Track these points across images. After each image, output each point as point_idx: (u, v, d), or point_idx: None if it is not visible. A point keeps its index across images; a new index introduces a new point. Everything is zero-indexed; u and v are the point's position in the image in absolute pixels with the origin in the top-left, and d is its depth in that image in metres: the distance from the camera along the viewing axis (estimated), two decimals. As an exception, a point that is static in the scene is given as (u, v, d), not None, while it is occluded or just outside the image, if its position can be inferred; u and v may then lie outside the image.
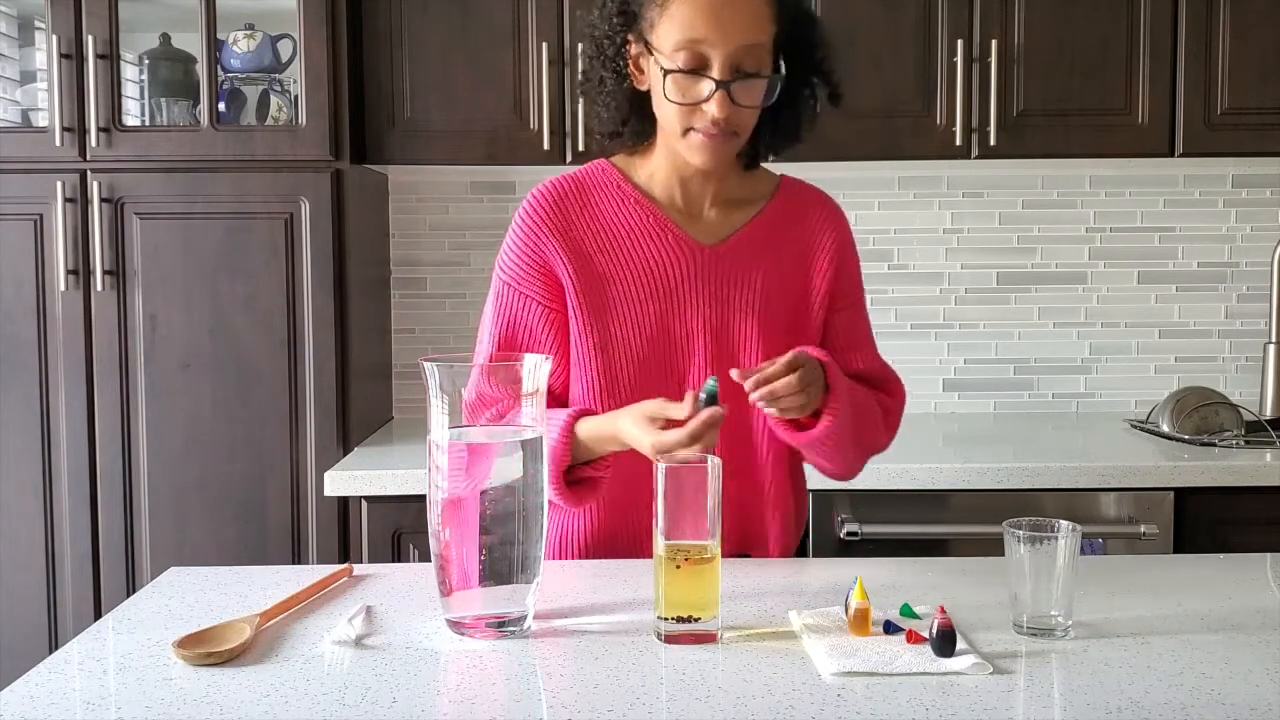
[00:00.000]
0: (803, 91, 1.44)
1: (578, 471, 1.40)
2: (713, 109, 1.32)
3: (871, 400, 1.50)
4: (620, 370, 1.43)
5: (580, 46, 2.29)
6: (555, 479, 1.36)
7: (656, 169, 1.46)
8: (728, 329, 1.45)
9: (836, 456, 1.44)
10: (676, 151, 1.40)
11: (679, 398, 1.29)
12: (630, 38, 1.39)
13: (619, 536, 1.48)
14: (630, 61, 1.40)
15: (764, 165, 1.54)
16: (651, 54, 1.35)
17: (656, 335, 1.44)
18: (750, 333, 1.45)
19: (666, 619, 1.13)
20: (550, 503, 1.27)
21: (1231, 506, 2.24)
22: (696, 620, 1.13)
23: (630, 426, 1.30)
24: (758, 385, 1.28)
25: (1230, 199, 2.87)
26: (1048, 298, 2.88)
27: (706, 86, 1.32)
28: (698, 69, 1.32)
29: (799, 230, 1.50)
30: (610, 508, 1.47)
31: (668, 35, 1.32)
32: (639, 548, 1.46)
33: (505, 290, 1.46)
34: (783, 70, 1.37)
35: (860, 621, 1.12)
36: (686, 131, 1.36)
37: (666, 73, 1.33)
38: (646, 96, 1.40)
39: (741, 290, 1.45)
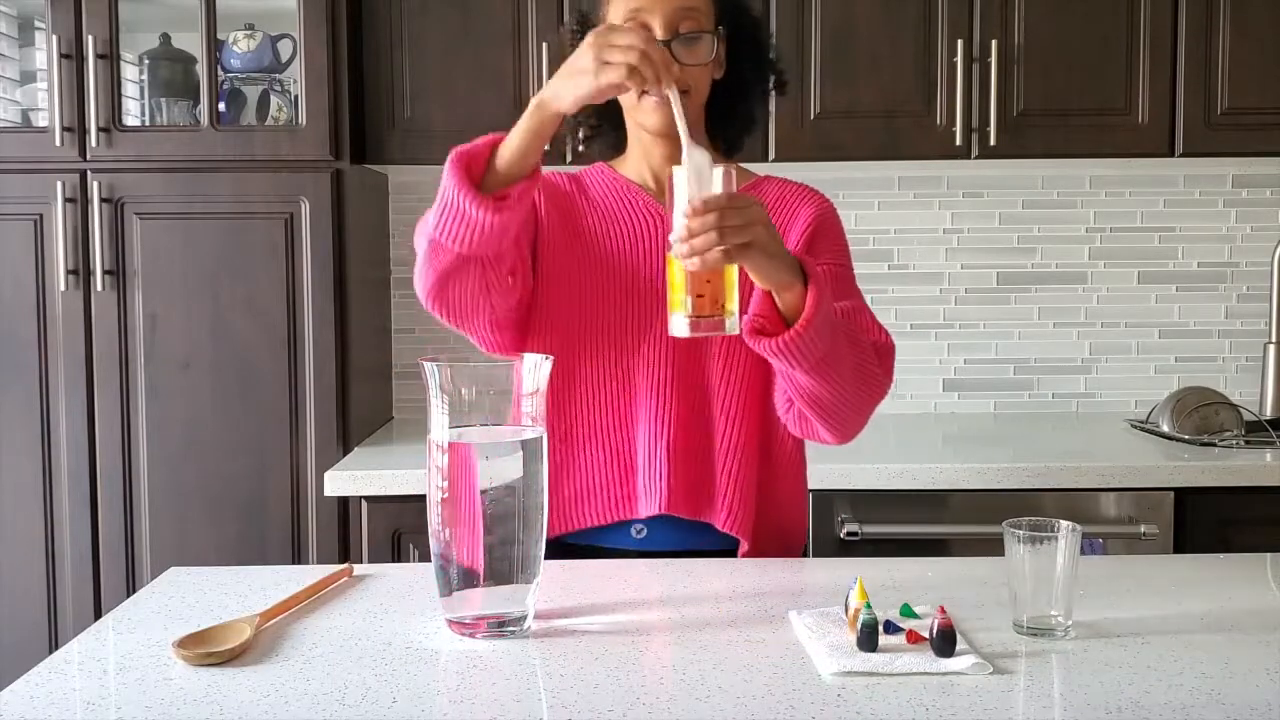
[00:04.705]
0: (752, 81, 1.57)
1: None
2: None
3: (854, 318, 1.44)
4: (589, 310, 1.50)
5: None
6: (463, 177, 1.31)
7: (630, 162, 1.58)
8: None
9: (830, 374, 1.32)
10: (643, 139, 1.53)
11: (636, 342, 1.48)
12: None
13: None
14: None
15: (761, 171, 1.58)
16: None
17: (622, 284, 1.50)
18: None
19: (689, 315, 1.19)
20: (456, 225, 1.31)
21: (1231, 506, 2.24)
22: (715, 317, 1.19)
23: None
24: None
25: (1230, 199, 2.87)
26: (1048, 298, 2.88)
27: None
28: None
29: (776, 213, 1.54)
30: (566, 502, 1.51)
31: (614, 17, 1.46)
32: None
33: None
34: (722, 31, 1.48)
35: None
36: (641, 95, 1.44)
37: None
38: (615, 102, 1.51)
39: None
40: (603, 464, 1.49)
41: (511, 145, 1.33)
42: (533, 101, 1.32)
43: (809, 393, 1.36)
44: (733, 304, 1.22)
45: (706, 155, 1.21)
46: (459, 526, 1.14)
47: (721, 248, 1.17)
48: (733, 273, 1.22)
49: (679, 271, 1.20)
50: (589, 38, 1.25)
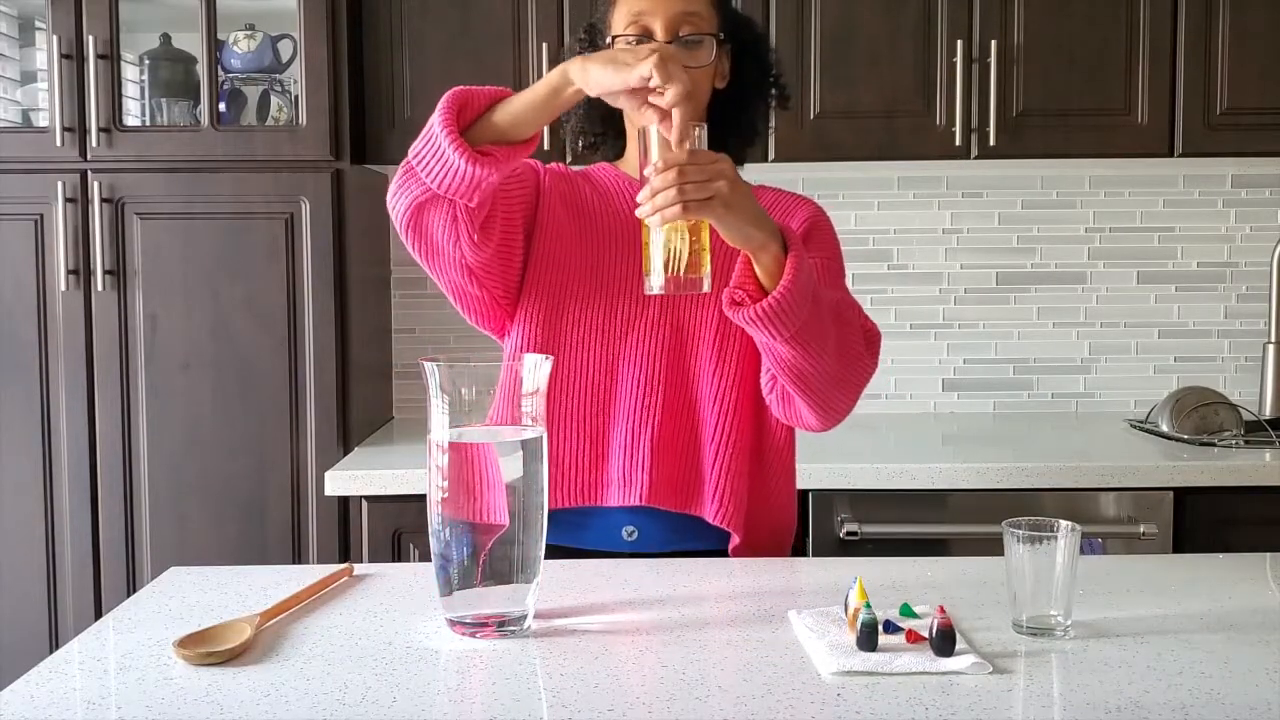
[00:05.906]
0: (756, 94, 1.59)
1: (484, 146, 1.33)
2: None
3: (841, 302, 1.41)
4: (569, 299, 1.51)
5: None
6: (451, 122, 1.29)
7: (632, 160, 1.59)
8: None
9: (812, 345, 1.32)
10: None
11: (626, 329, 1.48)
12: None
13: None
14: None
15: (762, 171, 1.57)
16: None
17: (617, 269, 1.51)
18: (708, 297, 1.46)
19: (660, 274, 1.22)
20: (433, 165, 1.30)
21: (1231, 506, 2.24)
22: (685, 275, 1.22)
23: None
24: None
25: (1230, 199, 2.87)
26: (1047, 298, 2.88)
27: None
28: (644, 38, 1.46)
29: (771, 216, 1.54)
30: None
31: (619, 21, 1.49)
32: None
33: None
34: (723, 37, 1.50)
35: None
36: (645, 105, 1.43)
37: (614, 38, 1.48)
38: (617, 110, 1.50)
39: None
40: (574, 447, 1.49)
41: (516, 107, 1.31)
42: (554, 72, 1.29)
43: (790, 365, 1.35)
44: (705, 264, 1.24)
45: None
46: (475, 483, 1.13)
47: (679, 204, 1.19)
48: (703, 231, 1.24)
49: (652, 231, 1.24)
50: (650, 46, 1.28)
